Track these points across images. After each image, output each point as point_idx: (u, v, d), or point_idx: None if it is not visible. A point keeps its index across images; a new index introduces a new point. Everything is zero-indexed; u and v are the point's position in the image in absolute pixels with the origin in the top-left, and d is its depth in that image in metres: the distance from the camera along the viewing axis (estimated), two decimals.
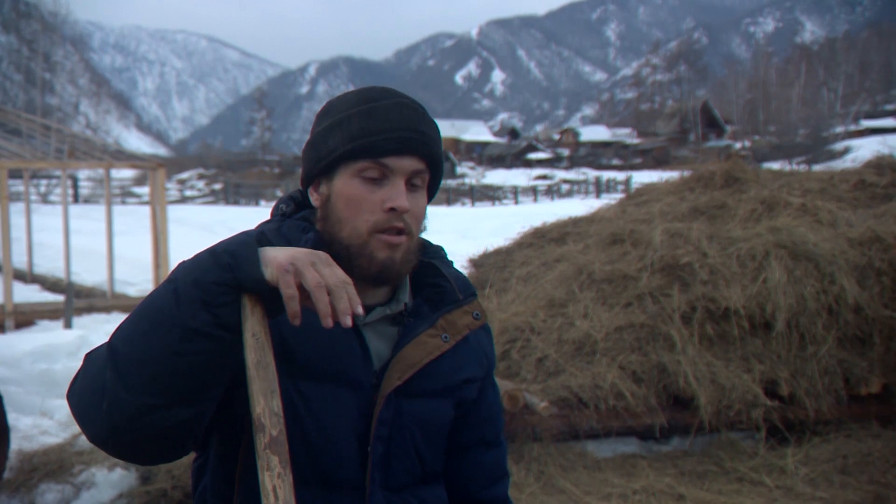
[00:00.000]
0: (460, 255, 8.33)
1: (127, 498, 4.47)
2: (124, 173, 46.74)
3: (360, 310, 1.18)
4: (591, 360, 5.36)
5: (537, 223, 7.61)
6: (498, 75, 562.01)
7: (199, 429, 1.26)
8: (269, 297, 1.19)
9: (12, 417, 4.54)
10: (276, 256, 1.18)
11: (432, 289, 1.47)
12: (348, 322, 1.16)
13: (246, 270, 1.17)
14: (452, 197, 44.94)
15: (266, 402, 1.16)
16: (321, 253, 1.21)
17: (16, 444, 4.86)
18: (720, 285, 5.53)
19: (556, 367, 5.36)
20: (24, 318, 9.60)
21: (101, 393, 1.17)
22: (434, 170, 1.41)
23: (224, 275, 1.16)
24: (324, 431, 1.33)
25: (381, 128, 1.33)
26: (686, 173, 7.62)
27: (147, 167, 11.16)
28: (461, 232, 19.49)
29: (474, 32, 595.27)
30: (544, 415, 4.97)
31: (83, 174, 35.76)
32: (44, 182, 35.76)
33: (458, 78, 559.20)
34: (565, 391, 5.17)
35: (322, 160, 1.37)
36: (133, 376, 1.15)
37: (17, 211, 14.82)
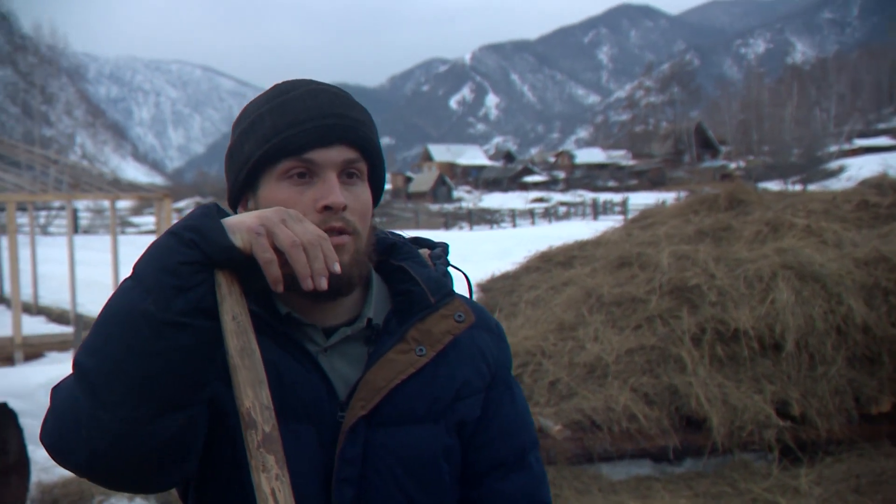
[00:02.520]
0: (461, 279, 8.37)
1: None
2: (122, 203, 46.85)
3: (336, 268, 1.06)
4: (602, 382, 5.40)
5: (536, 246, 7.68)
6: (492, 99, 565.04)
7: (194, 440, 1.09)
8: (245, 269, 1.06)
9: (30, 449, 4.56)
10: (242, 221, 1.05)
11: (402, 297, 1.27)
12: (323, 284, 1.04)
13: (214, 242, 1.02)
14: (451, 221, 45.05)
15: (255, 395, 1.02)
16: (291, 210, 1.08)
17: (35, 475, 4.88)
18: (729, 307, 5.58)
19: (569, 391, 5.40)
20: (33, 349, 9.62)
21: (75, 420, 1.02)
22: (371, 158, 1.23)
23: (191, 252, 1.02)
24: None
25: (297, 119, 1.17)
26: (683, 194, 7.70)
27: (153, 197, 11.24)
28: (461, 256, 19.54)
29: (468, 57, 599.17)
30: (558, 438, 5.00)
31: (82, 205, 35.86)
32: (43, 213, 35.80)
33: (453, 103, 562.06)
34: (578, 414, 5.20)
35: (241, 170, 1.20)
36: (108, 391, 1.00)
37: (22, 243, 14.88)
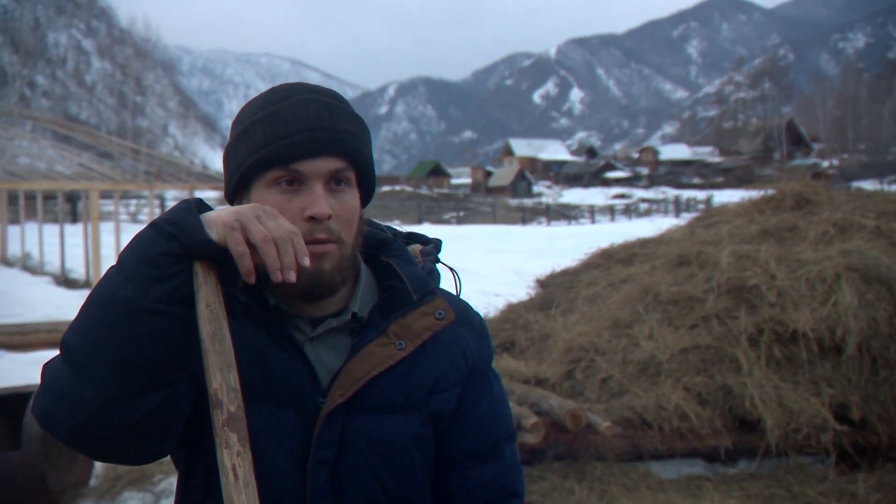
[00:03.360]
0: (533, 275, 8.43)
1: None
2: (209, 193, 48.09)
3: (305, 262, 1.13)
4: (655, 381, 5.37)
5: (613, 243, 7.64)
6: (576, 94, 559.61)
7: (175, 418, 1.18)
8: (221, 261, 1.13)
9: None
10: (219, 216, 1.13)
11: (386, 292, 1.33)
12: (292, 277, 1.11)
13: (191, 235, 1.10)
14: (528, 216, 44.90)
15: (223, 377, 1.10)
16: (266, 206, 1.15)
17: None
18: (788, 308, 5.47)
19: (620, 388, 5.39)
20: None
21: (60, 394, 1.11)
22: (358, 166, 1.28)
23: (170, 244, 1.10)
24: (262, 456, 1.20)
25: (285, 131, 1.22)
26: (769, 192, 7.52)
27: None
28: (536, 252, 19.49)
29: (553, 51, 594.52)
30: (607, 434, 5.00)
31: (170, 194, 37.08)
32: (133, 202, 37.14)
33: (536, 97, 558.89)
34: (629, 411, 5.18)
35: (235, 173, 1.28)
36: (90, 369, 1.09)
37: (107, 230, 15.46)
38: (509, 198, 69.29)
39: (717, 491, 5.00)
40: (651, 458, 5.21)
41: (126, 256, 1.12)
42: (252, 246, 1.11)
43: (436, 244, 1.44)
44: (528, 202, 60.51)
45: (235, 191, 1.30)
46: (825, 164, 79.03)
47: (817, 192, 6.88)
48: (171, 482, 4.85)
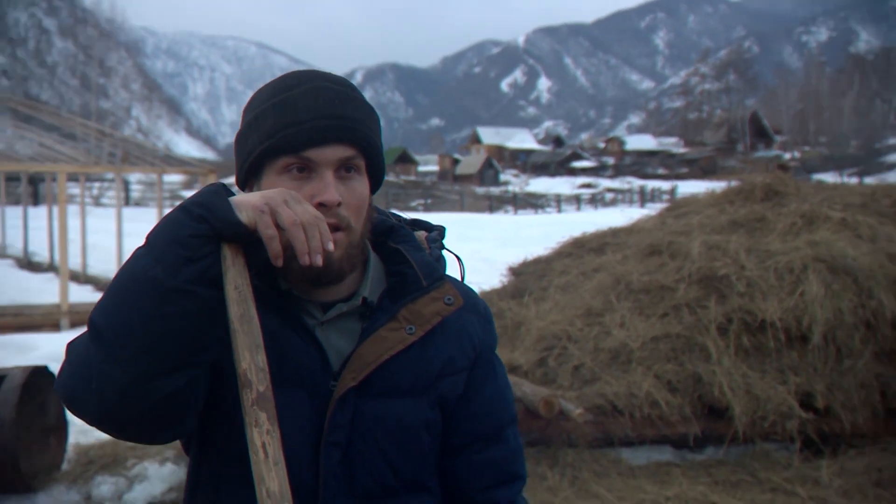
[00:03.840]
0: (501, 263, 8.49)
1: (177, 491, 4.66)
2: (173, 177, 47.52)
3: (330, 246, 1.16)
4: (626, 368, 5.45)
5: (579, 232, 7.72)
6: (544, 83, 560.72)
7: (196, 400, 1.20)
8: (249, 244, 1.16)
9: (68, 412, 4.76)
10: (248, 199, 1.15)
11: (396, 278, 1.35)
12: (319, 261, 1.15)
13: (221, 217, 1.12)
14: (495, 204, 45.00)
15: (251, 357, 1.13)
16: (292, 192, 1.18)
17: (73, 437, 5.10)
18: (757, 298, 5.58)
19: (592, 375, 5.46)
20: (79, 317, 9.89)
21: (87, 373, 1.12)
22: (368, 154, 1.30)
23: (200, 226, 1.12)
24: None
25: (296, 119, 1.24)
26: (733, 183, 7.65)
27: (198, 172, 11.48)
28: (503, 240, 19.57)
29: (521, 40, 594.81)
30: (579, 421, 5.07)
31: (134, 177, 36.63)
32: (96, 185, 36.58)
33: (504, 85, 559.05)
34: (600, 399, 5.26)
35: (246, 160, 1.29)
36: (119, 349, 1.11)
37: (71, 213, 15.22)
38: (476, 186, 69.32)
39: (686, 477, 5.09)
40: (621, 445, 5.29)
41: (155, 238, 1.14)
42: (280, 229, 1.14)
43: (440, 231, 1.46)
44: (495, 190, 60.64)
45: (247, 177, 1.31)
46: (787, 156, 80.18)
47: (785, 184, 7.01)
48: (145, 467, 4.83)
